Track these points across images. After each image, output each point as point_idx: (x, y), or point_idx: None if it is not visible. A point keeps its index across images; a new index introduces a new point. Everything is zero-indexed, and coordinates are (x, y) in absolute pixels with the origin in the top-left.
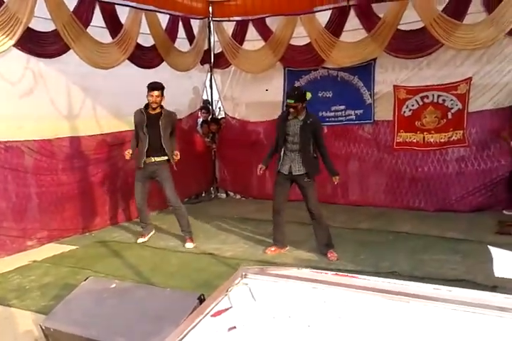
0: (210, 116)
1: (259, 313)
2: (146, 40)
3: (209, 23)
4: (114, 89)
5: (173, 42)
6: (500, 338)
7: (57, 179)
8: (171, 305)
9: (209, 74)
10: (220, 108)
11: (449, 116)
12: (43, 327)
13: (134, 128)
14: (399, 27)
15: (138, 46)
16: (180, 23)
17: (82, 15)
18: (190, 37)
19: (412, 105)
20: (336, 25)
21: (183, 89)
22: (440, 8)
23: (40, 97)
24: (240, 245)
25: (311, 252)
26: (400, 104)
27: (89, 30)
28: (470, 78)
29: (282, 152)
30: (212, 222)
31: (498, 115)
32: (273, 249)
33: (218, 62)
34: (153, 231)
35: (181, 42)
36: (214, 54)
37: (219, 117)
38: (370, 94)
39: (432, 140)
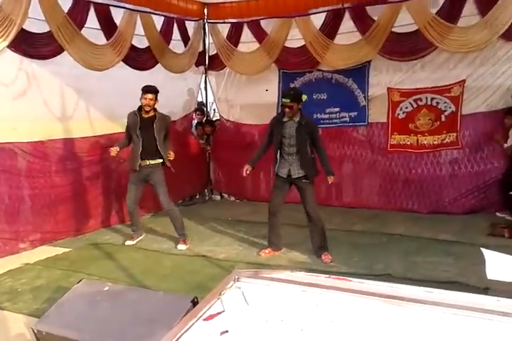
0: (205, 118)
1: (252, 317)
2: (141, 41)
3: (204, 24)
4: (108, 90)
5: (167, 44)
6: None
7: (50, 181)
8: (164, 308)
9: (204, 76)
10: (214, 110)
11: (443, 119)
12: (35, 331)
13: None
14: (393, 30)
15: (132, 48)
16: (175, 25)
17: (77, 17)
18: (185, 39)
19: (406, 107)
20: (330, 28)
21: (177, 91)
22: (434, 11)
23: (34, 99)
24: (234, 247)
25: (305, 254)
26: (393, 107)
27: (83, 31)
28: (463, 81)
29: (279, 155)
30: (206, 224)
31: (491, 117)
32: (267, 251)
33: (213, 64)
34: (143, 235)
35: (176, 44)
36: (209, 56)
37: (213, 119)
38: (365, 97)
39: (425, 142)
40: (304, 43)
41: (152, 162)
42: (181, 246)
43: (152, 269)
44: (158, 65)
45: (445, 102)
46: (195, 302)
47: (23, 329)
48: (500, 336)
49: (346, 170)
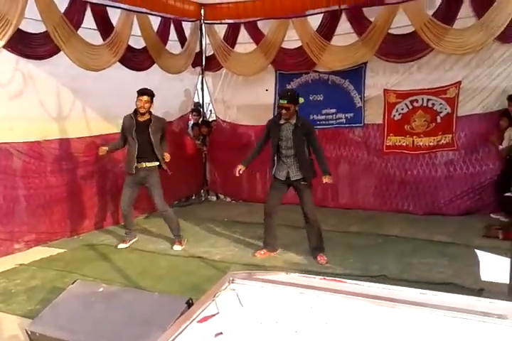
0: (201, 119)
1: (246, 319)
2: (138, 42)
3: (201, 25)
4: (105, 91)
5: (164, 45)
6: None
7: (46, 181)
8: (159, 309)
9: (200, 76)
10: (211, 110)
11: (438, 120)
12: (29, 332)
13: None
14: (389, 31)
15: (129, 48)
16: (172, 26)
17: (73, 17)
18: (182, 39)
19: (402, 109)
20: (327, 29)
21: (174, 92)
22: (430, 12)
23: (30, 99)
24: (230, 248)
25: (301, 255)
26: (389, 108)
27: (80, 31)
28: (459, 82)
29: (276, 158)
30: (202, 225)
31: (486, 119)
32: (263, 252)
33: (210, 64)
34: (136, 238)
35: (173, 45)
36: (205, 56)
37: (210, 120)
38: (361, 98)
39: (421, 143)
40: (300, 44)
41: (149, 164)
42: (177, 247)
43: (147, 270)
44: (155, 66)
45: (441, 104)
46: (190, 304)
47: (16, 331)
48: (494, 338)
49: (342, 171)
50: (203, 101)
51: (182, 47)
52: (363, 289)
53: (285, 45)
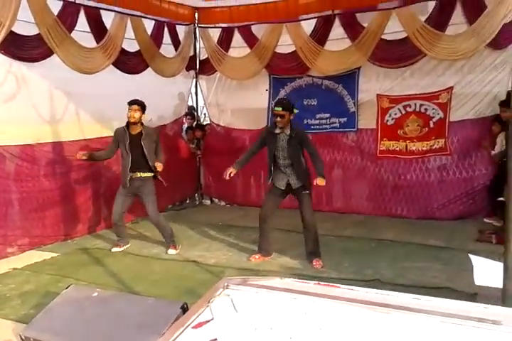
0: (195, 123)
1: (241, 325)
2: (131, 45)
3: (195, 29)
4: (98, 94)
5: (158, 48)
6: None
7: (39, 185)
8: (154, 314)
9: (194, 80)
10: (205, 114)
11: (431, 125)
12: (23, 337)
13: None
14: (383, 37)
15: (123, 51)
16: (166, 29)
17: (67, 20)
18: (176, 43)
19: (395, 114)
20: (320, 34)
21: (168, 95)
22: (423, 18)
23: (23, 102)
24: (224, 252)
25: (296, 260)
26: (383, 113)
27: (73, 34)
28: (451, 87)
29: (273, 167)
30: (196, 229)
31: (479, 124)
32: (257, 256)
33: (204, 68)
34: (129, 245)
35: (167, 48)
36: (199, 60)
37: (204, 123)
38: (354, 103)
39: (414, 148)
40: (294, 49)
41: (143, 175)
42: (171, 251)
43: (142, 274)
44: (149, 69)
45: (433, 109)
46: (184, 308)
47: (10, 336)
48: None
49: (336, 176)
50: (197, 105)
51: (176, 50)
52: (358, 294)
53: (279, 50)
